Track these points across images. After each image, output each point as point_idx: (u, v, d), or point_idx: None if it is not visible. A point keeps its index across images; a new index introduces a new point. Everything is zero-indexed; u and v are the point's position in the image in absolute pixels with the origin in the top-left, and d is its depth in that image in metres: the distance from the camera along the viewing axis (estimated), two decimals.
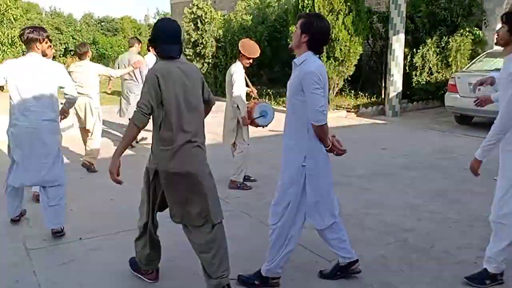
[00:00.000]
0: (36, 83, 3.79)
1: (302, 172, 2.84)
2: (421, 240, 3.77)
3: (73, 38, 33.80)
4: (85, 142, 6.26)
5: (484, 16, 10.76)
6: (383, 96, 10.79)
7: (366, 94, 11.53)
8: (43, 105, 3.82)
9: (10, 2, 16.71)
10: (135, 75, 7.33)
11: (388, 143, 7.47)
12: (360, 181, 5.45)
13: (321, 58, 9.56)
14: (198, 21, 13.40)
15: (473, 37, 10.41)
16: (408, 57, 10.61)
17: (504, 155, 2.92)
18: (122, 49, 32.53)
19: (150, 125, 2.87)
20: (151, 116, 2.77)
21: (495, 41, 3.03)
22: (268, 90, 11.98)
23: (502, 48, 2.94)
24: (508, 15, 2.89)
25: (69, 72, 6.10)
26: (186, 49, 13.87)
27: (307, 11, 9.65)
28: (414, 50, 10.57)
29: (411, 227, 4.05)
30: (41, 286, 3.12)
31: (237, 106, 4.92)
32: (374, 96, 11.43)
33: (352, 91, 11.75)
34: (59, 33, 33.47)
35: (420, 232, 3.94)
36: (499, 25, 2.98)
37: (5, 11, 16.63)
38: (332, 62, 9.85)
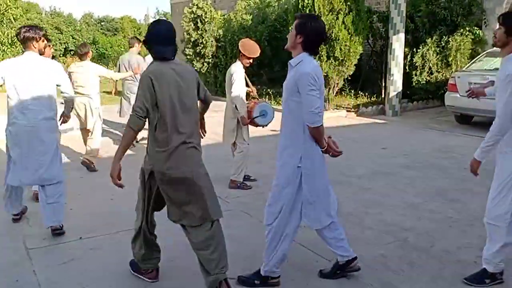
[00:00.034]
0: (33, 82, 3.80)
1: (298, 173, 2.84)
2: (421, 239, 3.77)
3: (73, 38, 33.81)
4: (85, 142, 6.27)
5: (484, 16, 10.76)
6: (383, 96, 10.79)
7: (366, 94, 11.53)
8: (41, 104, 3.83)
9: (10, 1, 16.72)
10: (135, 76, 7.34)
11: (388, 142, 7.47)
12: (360, 180, 5.45)
13: (321, 58, 9.71)
14: (198, 20, 13.40)
15: (473, 37, 10.41)
16: (408, 56, 10.61)
17: (500, 156, 2.92)
18: (122, 49, 32.54)
19: None
20: (147, 119, 2.77)
21: (492, 42, 3.03)
22: (268, 90, 11.98)
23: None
24: (505, 16, 2.88)
25: (70, 73, 6.13)
26: (186, 49, 13.87)
27: (307, 11, 9.65)
28: (414, 49, 10.57)
29: (411, 226, 4.05)
30: (41, 285, 3.12)
31: (236, 106, 4.92)
32: (374, 96, 11.43)
33: (352, 91, 11.75)
34: (59, 33, 33.48)
35: (420, 231, 3.94)
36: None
37: (5, 11, 16.65)
38: (332, 62, 9.84)
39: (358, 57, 10.10)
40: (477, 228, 3.91)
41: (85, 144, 6.26)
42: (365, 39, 10.77)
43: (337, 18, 9.60)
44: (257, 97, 5.72)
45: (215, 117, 9.42)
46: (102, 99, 6.59)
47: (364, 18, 10.15)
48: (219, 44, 13.57)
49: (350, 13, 9.68)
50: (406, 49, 10.41)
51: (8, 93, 3.83)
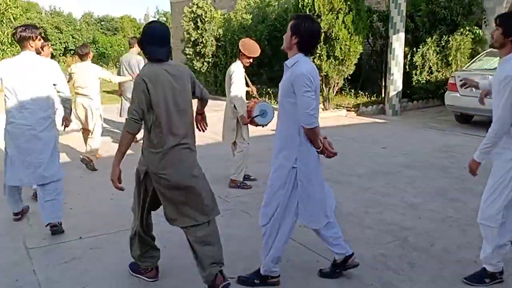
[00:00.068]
0: (31, 81, 3.81)
1: (293, 174, 2.84)
2: (421, 239, 3.77)
3: (72, 37, 33.81)
4: (86, 141, 6.29)
5: (484, 15, 10.76)
6: (383, 95, 10.79)
7: (366, 93, 11.53)
8: (39, 103, 3.85)
9: (9, 1, 16.71)
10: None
11: (388, 142, 7.47)
12: (360, 180, 5.45)
13: (321, 57, 9.71)
14: (198, 20, 13.39)
15: (473, 36, 10.41)
16: (408, 56, 10.61)
17: (495, 156, 2.92)
18: (122, 48, 32.54)
19: None
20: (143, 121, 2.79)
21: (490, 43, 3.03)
22: (268, 89, 11.97)
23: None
24: (502, 17, 2.88)
25: (71, 74, 6.15)
26: (186, 48, 13.87)
27: (307, 10, 9.65)
28: (414, 49, 10.57)
29: (411, 226, 4.05)
30: (41, 285, 3.12)
31: (234, 105, 4.92)
32: (374, 95, 11.43)
33: (352, 90, 11.75)
34: (58, 32, 33.48)
35: (420, 231, 3.94)
36: None
37: (5, 10, 16.64)
38: (332, 61, 9.84)
39: (358, 56, 10.10)
40: (477, 228, 3.88)
41: (86, 143, 6.27)
42: (365, 38, 10.76)
43: (337, 18, 9.60)
44: (257, 96, 5.72)
45: (215, 117, 9.41)
46: (102, 98, 6.59)
47: (364, 18, 10.15)
48: (219, 44, 13.57)
49: (350, 12, 9.68)
50: (406, 49, 10.41)
51: (5, 93, 3.84)
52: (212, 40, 13.51)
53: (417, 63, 10.49)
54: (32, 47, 3.88)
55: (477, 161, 2.92)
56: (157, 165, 2.78)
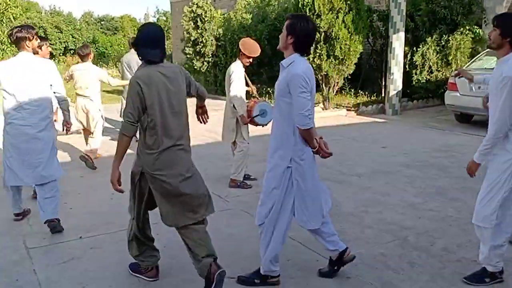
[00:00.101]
0: (28, 82, 3.83)
1: (288, 173, 2.84)
2: (421, 238, 3.77)
3: (72, 37, 33.79)
4: (86, 140, 6.31)
5: (484, 15, 10.75)
6: (383, 95, 10.79)
7: (366, 93, 11.53)
8: (37, 103, 3.87)
9: (9, 0, 16.70)
10: None
11: (388, 141, 7.47)
12: (360, 179, 5.45)
13: (321, 57, 9.71)
14: (198, 19, 13.39)
15: (473, 36, 10.40)
16: (408, 55, 10.60)
17: (489, 158, 2.91)
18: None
19: None
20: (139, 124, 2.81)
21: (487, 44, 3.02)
22: (268, 89, 11.97)
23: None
24: (499, 18, 2.87)
25: (71, 74, 6.16)
26: (186, 48, 13.87)
27: (307, 10, 9.65)
28: (414, 48, 10.56)
29: (411, 225, 4.05)
30: (41, 284, 3.12)
31: (233, 105, 4.92)
32: (374, 95, 11.43)
33: (352, 90, 11.75)
34: (58, 32, 33.46)
35: (420, 230, 3.94)
36: None
37: (5, 10, 16.64)
38: (332, 61, 9.84)
39: (358, 56, 10.10)
40: None
41: (86, 142, 6.29)
42: (365, 38, 10.76)
43: (337, 17, 9.59)
44: (257, 96, 5.72)
45: (215, 116, 9.41)
46: (102, 98, 6.59)
47: (364, 17, 10.15)
48: (219, 43, 13.57)
49: (350, 12, 9.68)
50: (406, 48, 10.41)
51: (3, 94, 3.87)
52: (212, 40, 13.50)
53: (417, 63, 10.49)
54: (29, 47, 3.90)
55: (476, 162, 2.92)
56: (152, 165, 2.80)
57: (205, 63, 13.72)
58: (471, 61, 9.12)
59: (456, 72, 3.68)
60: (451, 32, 10.30)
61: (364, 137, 7.86)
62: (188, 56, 14.08)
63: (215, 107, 11.38)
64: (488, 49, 9.10)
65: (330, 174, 5.62)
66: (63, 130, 4.31)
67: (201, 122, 3.34)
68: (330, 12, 9.62)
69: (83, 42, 28.38)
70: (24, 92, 3.82)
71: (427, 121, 9.26)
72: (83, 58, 6.14)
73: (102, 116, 6.26)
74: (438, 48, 10.41)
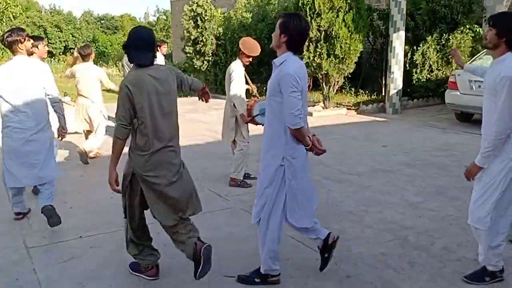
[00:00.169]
0: (24, 85, 3.88)
1: (280, 172, 2.84)
2: (421, 237, 3.77)
3: (72, 36, 33.75)
4: (86, 137, 6.32)
5: (484, 14, 10.73)
6: (383, 94, 10.78)
7: (367, 92, 11.52)
8: (33, 105, 3.92)
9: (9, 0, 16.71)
10: None
11: (389, 140, 7.46)
12: (360, 178, 5.45)
13: (322, 56, 9.70)
14: (198, 18, 13.38)
15: (473, 35, 10.39)
16: (409, 54, 10.59)
17: None
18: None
19: None
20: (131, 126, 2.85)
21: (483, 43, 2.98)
22: None
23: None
24: (495, 18, 2.84)
25: (73, 74, 6.17)
26: (186, 47, 13.86)
27: (307, 9, 9.64)
28: (415, 47, 10.55)
29: (411, 224, 4.05)
30: (41, 284, 3.12)
31: (234, 104, 4.91)
32: (375, 94, 11.42)
33: (353, 89, 11.74)
34: (58, 31, 33.43)
35: (420, 229, 3.93)
36: None
37: (5, 9, 16.65)
38: (332, 60, 9.83)
39: (358, 55, 10.09)
40: None
41: (86, 138, 6.31)
42: (366, 37, 10.74)
43: (338, 16, 9.58)
44: (257, 95, 5.71)
45: (215, 115, 9.42)
46: (103, 97, 6.59)
47: (365, 16, 10.13)
48: (219, 42, 13.56)
49: (351, 11, 9.66)
50: (407, 47, 10.40)
51: (0, 98, 3.92)
52: (212, 39, 13.49)
53: (417, 62, 10.48)
54: (22, 49, 3.94)
55: (478, 166, 2.86)
56: (143, 167, 2.85)
57: (205, 62, 13.71)
58: (471, 60, 9.10)
59: (452, 51, 3.59)
60: (452, 31, 10.29)
61: (364, 136, 7.86)
62: (188, 55, 14.07)
63: (215, 106, 11.36)
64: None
65: (330, 173, 5.62)
66: (58, 136, 4.22)
67: (203, 101, 3.41)
68: (330, 11, 9.60)
69: (83, 42, 28.38)
70: (20, 95, 3.87)
71: (428, 120, 9.25)
72: (84, 58, 6.16)
73: (104, 116, 6.27)
74: (439, 47, 10.40)
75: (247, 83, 5.32)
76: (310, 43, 9.83)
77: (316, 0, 9.60)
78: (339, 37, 9.61)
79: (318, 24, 9.64)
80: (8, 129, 3.92)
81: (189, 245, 2.90)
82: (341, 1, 9.58)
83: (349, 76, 10.69)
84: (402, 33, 9.89)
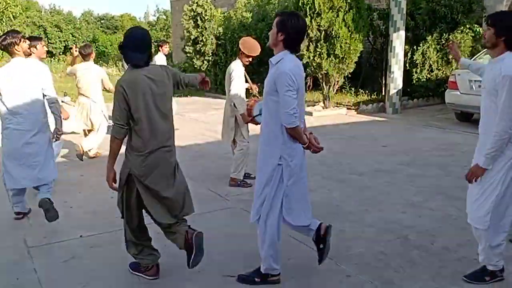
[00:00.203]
0: (23, 87, 3.91)
1: (278, 171, 2.84)
2: (422, 237, 3.77)
3: (72, 36, 33.75)
4: (86, 134, 6.33)
5: (484, 13, 10.72)
6: (383, 93, 10.79)
7: (367, 91, 11.52)
8: (31, 107, 3.95)
9: None
10: None
11: (389, 140, 7.46)
12: (360, 178, 5.45)
13: (322, 56, 9.70)
14: (198, 18, 13.38)
15: (473, 34, 10.39)
16: (409, 54, 10.59)
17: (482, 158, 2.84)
18: None
19: None
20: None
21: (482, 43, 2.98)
22: None
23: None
24: (493, 17, 2.82)
25: (74, 74, 6.18)
26: (186, 47, 13.86)
27: (307, 8, 9.64)
28: (415, 47, 10.55)
29: (411, 224, 4.05)
30: (42, 283, 3.12)
31: (234, 104, 4.91)
32: (375, 93, 11.42)
33: (353, 88, 11.74)
34: (58, 31, 33.42)
35: (420, 229, 3.94)
36: None
37: (5, 9, 16.65)
38: (332, 59, 9.83)
39: (358, 54, 10.09)
40: None
41: (85, 135, 6.32)
42: (366, 36, 10.75)
43: (338, 16, 9.58)
44: (257, 95, 5.71)
45: (215, 115, 9.41)
46: (104, 96, 6.59)
47: (365, 16, 10.13)
48: (219, 42, 13.56)
49: (351, 10, 9.66)
50: (407, 47, 10.40)
51: (1, 99, 3.95)
52: (212, 39, 13.49)
53: (417, 61, 10.48)
54: (19, 51, 3.96)
55: (482, 168, 2.80)
56: (139, 167, 2.86)
57: (205, 62, 13.71)
58: (471, 60, 9.11)
59: (450, 43, 3.55)
60: (452, 31, 10.29)
61: (365, 136, 7.86)
62: (188, 55, 14.07)
63: (215, 106, 11.37)
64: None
65: (330, 173, 5.62)
66: (52, 138, 4.17)
67: (204, 88, 3.42)
68: (330, 10, 9.60)
69: (83, 41, 28.37)
70: (20, 96, 3.90)
71: (428, 119, 9.25)
72: (85, 57, 6.18)
73: (105, 116, 6.28)
74: (439, 46, 10.40)
75: (247, 82, 5.32)
76: (310, 43, 9.83)
77: (316, 0, 9.60)
78: (339, 37, 9.61)
79: (318, 23, 9.64)
80: (7, 130, 3.96)
81: (180, 233, 2.94)
82: (341, 1, 9.58)
83: (349, 76, 10.69)
84: (402, 33, 9.89)
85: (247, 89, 5.29)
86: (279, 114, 2.75)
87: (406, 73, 10.42)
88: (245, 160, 5.17)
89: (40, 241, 3.78)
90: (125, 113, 2.79)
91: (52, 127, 4.16)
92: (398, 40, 9.88)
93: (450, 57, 10.29)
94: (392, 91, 10.05)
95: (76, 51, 6.41)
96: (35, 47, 4.63)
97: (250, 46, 4.92)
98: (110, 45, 35.12)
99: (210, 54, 13.62)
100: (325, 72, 9.98)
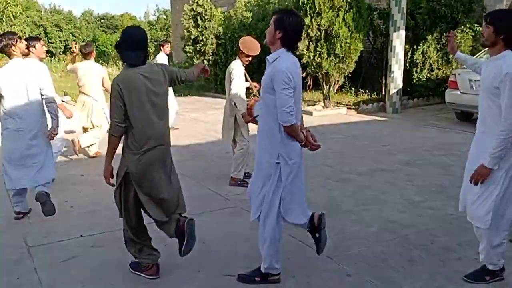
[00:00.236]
0: (22, 87, 3.93)
1: (276, 171, 2.84)
2: (422, 236, 3.77)
3: (72, 36, 33.77)
4: (85, 131, 6.33)
5: (484, 13, 10.72)
6: (383, 93, 10.78)
7: (367, 91, 11.52)
8: (30, 108, 3.97)
9: None
10: None
11: (389, 139, 7.46)
12: (361, 177, 5.45)
13: (322, 55, 9.69)
14: (198, 18, 13.38)
15: (473, 34, 10.38)
16: (409, 53, 10.59)
17: (482, 156, 2.83)
18: None
19: None
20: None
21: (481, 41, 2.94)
22: None
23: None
24: (492, 15, 2.81)
25: (76, 72, 6.19)
26: (186, 46, 13.85)
27: (307, 8, 9.63)
28: (415, 46, 10.55)
29: (411, 223, 4.05)
30: (42, 283, 3.12)
31: (234, 103, 4.91)
32: (375, 93, 11.42)
33: (353, 88, 11.74)
34: (58, 31, 33.44)
35: (420, 228, 3.94)
36: None
37: (5, 9, 16.65)
38: (332, 59, 9.82)
39: (358, 54, 10.09)
40: None
41: (84, 131, 6.32)
42: (366, 36, 10.74)
43: (338, 15, 9.57)
44: (258, 94, 5.71)
45: (215, 114, 9.41)
46: (104, 95, 6.60)
47: (365, 15, 10.13)
48: (219, 42, 13.56)
49: (351, 10, 9.66)
50: (407, 46, 10.39)
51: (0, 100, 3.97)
52: (212, 38, 13.49)
53: (417, 61, 10.47)
54: (16, 52, 3.98)
55: (488, 168, 2.76)
56: (136, 165, 2.88)
57: (205, 61, 13.69)
58: None
59: (450, 35, 3.47)
60: (452, 30, 10.28)
61: (365, 135, 7.85)
62: (188, 54, 14.07)
63: (215, 106, 11.36)
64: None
65: (330, 173, 5.62)
66: (47, 137, 4.15)
67: (205, 75, 3.45)
68: (331, 10, 9.60)
69: (83, 41, 28.36)
70: (18, 97, 3.92)
71: (428, 119, 9.25)
72: (86, 56, 6.21)
73: (106, 115, 6.28)
74: (439, 46, 10.39)
75: (247, 81, 5.32)
76: (310, 42, 9.82)
77: None
78: (339, 36, 9.60)
79: (318, 23, 9.63)
80: (7, 131, 3.99)
81: (172, 221, 2.98)
82: (341, 0, 9.57)
83: (349, 75, 10.68)
84: (402, 32, 9.88)
85: (247, 89, 5.29)
86: (276, 112, 2.75)
87: (406, 73, 10.41)
88: (245, 160, 5.17)
89: (40, 240, 3.78)
90: (121, 111, 2.81)
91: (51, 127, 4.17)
92: (398, 40, 9.87)
93: (450, 56, 10.29)
94: (392, 90, 10.05)
95: (76, 48, 6.42)
96: (34, 47, 4.63)
97: (250, 45, 4.92)
98: (110, 45, 35.10)
99: (210, 54, 13.62)
100: (325, 71, 9.98)
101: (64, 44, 33.15)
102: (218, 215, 4.33)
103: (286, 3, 13.67)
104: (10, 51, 3.94)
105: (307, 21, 9.60)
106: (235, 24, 13.61)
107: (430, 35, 10.36)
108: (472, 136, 3.20)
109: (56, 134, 4.18)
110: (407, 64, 10.55)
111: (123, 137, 2.93)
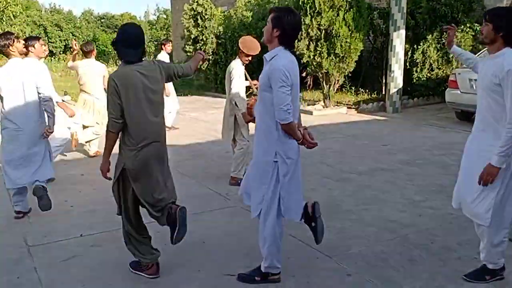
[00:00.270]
0: (21, 87, 3.93)
1: (274, 169, 2.83)
2: (422, 236, 3.77)
3: (73, 35, 33.77)
4: (84, 127, 6.34)
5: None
6: (383, 93, 10.78)
7: (367, 91, 11.51)
8: (30, 107, 3.98)
9: None
10: None
11: (389, 139, 7.46)
12: (361, 177, 5.45)
13: (322, 55, 9.69)
14: (198, 17, 13.38)
15: (473, 33, 10.37)
16: (409, 53, 10.58)
17: (481, 154, 2.82)
18: None
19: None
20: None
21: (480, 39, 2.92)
22: None
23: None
24: (491, 13, 2.80)
25: (76, 71, 6.20)
26: (186, 46, 13.86)
27: (307, 7, 9.63)
28: (415, 46, 10.54)
29: (411, 223, 4.05)
30: (42, 282, 3.12)
31: (235, 103, 4.92)
32: (375, 93, 11.41)
33: (353, 88, 11.73)
34: (58, 30, 33.46)
35: (420, 228, 3.93)
36: None
37: (5, 8, 16.65)
38: (332, 59, 9.82)
39: (358, 53, 10.09)
40: None
41: (83, 128, 6.33)
42: (366, 35, 10.74)
43: (338, 15, 9.57)
44: (257, 94, 5.71)
45: (215, 114, 9.41)
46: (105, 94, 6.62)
47: (365, 15, 10.13)
48: (219, 41, 13.56)
49: (351, 9, 9.66)
50: (407, 46, 10.39)
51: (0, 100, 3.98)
52: (212, 38, 13.49)
53: (417, 60, 10.47)
54: (14, 52, 3.99)
55: (496, 167, 2.71)
56: (132, 162, 2.89)
57: (205, 61, 13.70)
58: None
59: (448, 28, 3.42)
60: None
61: (365, 135, 7.85)
62: (188, 54, 14.06)
63: (215, 105, 11.36)
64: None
65: (330, 172, 5.62)
66: (42, 134, 4.11)
67: (202, 61, 3.48)
68: (331, 9, 9.60)
69: (83, 40, 28.35)
70: (17, 97, 3.93)
71: (428, 118, 9.25)
72: (86, 54, 6.23)
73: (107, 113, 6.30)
74: (439, 45, 10.39)
75: (247, 81, 5.32)
76: (311, 42, 9.82)
77: None
78: (339, 36, 9.60)
79: (319, 22, 9.63)
80: (6, 130, 4.00)
81: (164, 209, 3.00)
82: (342, 0, 9.57)
83: (350, 75, 10.69)
84: (402, 32, 9.88)
85: (247, 88, 5.29)
86: (273, 110, 2.74)
87: (407, 72, 10.41)
88: (245, 159, 5.17)
89: (40, 240, 3.78)
90: (118, 107, 2.82)
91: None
92: (399, 39, 9.87)
93: (450, 56, 10.28)
94: (393, 90, 10.05)
95: (76, 45, 6.42)
96: (33, 47, 4.63)
97: (250, 45, 4.92)
98: (110, 44, 35.11)
99: (211, 53, 13.62)
100: (326, 71, 9.97)
101: (64, 44, 33.18)
102: (218, 215, 4.33)
103: (286, 3, 13.67)
104: (8, 51, 3.96)
105: (307, 20, 9.60)
106: (235, 23, 13.61)
107: (430, 35, 10.36)
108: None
109: (52, 132, 4.17)
110: (407, 64, 10.55)
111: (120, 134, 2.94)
